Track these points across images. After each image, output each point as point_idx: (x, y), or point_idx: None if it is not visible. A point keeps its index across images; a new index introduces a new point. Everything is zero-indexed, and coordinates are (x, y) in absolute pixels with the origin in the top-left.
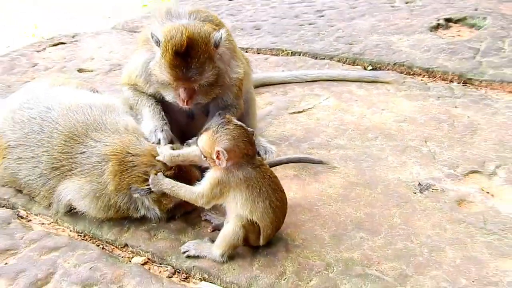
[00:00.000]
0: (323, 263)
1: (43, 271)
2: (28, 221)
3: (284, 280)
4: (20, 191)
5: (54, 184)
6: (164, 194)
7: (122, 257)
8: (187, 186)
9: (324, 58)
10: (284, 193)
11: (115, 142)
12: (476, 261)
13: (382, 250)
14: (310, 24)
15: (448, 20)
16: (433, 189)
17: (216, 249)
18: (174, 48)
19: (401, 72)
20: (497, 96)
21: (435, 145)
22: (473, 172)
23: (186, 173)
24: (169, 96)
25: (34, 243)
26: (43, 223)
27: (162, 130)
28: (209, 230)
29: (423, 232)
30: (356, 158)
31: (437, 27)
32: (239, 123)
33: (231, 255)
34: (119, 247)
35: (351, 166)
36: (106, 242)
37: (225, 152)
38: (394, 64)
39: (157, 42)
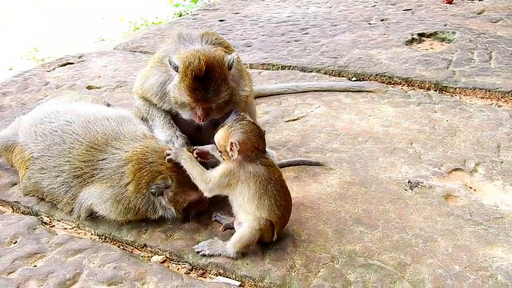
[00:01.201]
0: (329, 256)
1: (70, 272)
2: (52, 226)
3: (294, 272)
4: (42, 199)
5: (76, 191)
6: (178, 193)
7: (142, 256)
8: (201, 167)
9: (312, 71)
10: (289, 194)
11: (136, 146)
12: (466, 249)
13: (380, 242)
14: (296, 41)
15: (421, 35)
16: (421, 186)
17: (231, 247)
18: (193, 73)
19: (383, 82)
20: (471, 101)
21: (419, 146)
22: (456, 169)
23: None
24: (186, 114)
25: (59, 246)
26: (65, 228)
27: (177, 137)
28: (221, 230)
29: (416, 224)
30: (349, 160)
31: (411, 41)
32: (252, 120)
33: (244, 252)
34: (139, 247)
35: (345, 167)
36: (126, 243)
37: (237, 143)
38: (376, 75)
39: (176, 68)
